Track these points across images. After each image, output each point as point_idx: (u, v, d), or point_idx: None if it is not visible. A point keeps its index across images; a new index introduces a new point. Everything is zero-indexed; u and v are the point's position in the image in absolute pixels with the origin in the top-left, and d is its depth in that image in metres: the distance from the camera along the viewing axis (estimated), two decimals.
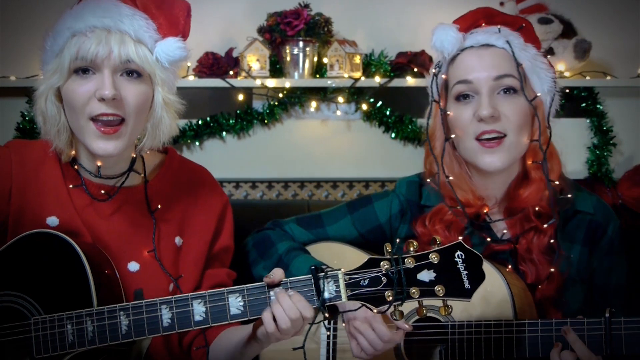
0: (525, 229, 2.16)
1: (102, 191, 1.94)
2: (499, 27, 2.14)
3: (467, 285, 1.68)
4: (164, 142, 1.93)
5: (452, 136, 2.13)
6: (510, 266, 2.14)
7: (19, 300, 1.80)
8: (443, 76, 2.17)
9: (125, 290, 1.87)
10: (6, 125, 3.72)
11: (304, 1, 3.79)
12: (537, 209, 2.13)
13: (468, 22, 2.19)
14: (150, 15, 1.87)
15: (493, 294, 2.01)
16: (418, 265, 1.67)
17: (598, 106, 3.73)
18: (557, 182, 2.14)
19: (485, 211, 2.16)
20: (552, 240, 2.11)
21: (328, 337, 2.17)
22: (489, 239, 2.16)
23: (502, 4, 3.78)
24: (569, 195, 2.15)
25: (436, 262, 1.68)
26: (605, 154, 3.71)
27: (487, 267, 1.98)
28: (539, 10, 3.68)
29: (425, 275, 1.67)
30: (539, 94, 2.12)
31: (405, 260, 1.68)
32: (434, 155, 2.18)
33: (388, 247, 1.69)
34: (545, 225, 2.11)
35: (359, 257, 2.18)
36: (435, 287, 1.67)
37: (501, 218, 2.18)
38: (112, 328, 1.72)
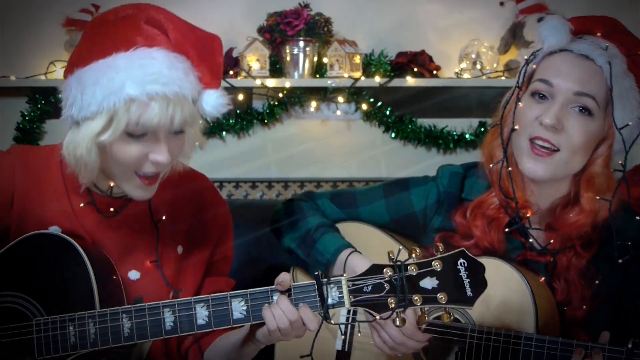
0: (567, 245, 2.08)
1: (112, 209, 1.91)
2: (607, 44, 2.05)
3: (469, 293, 1.68)
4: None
5: (516, 127, 2.06)
6: (543, 278, 2.09)
7: (21, 301, 1.79)
8: (534, 66, 2.11)
9: (126, 299, 1.87)
10: (6, 125, 3.73)
11: (304, 1, 3.80)
12: (582, 232, 2.07)
13: (583, 27, 2.09)
14: (194, 64, 1.80)
15: (516, 303, 1.97)
16: (421, 273, 1.68)
17: None
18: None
19: (528, 215, 2.10)
20: (590, 267, 2.04)
21: (347, 319, 2.16)
22: (526, 241, 2.09)
23: (502, 4, 3.79)
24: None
25: (439, 269, 1.68)
26: None
27: (515, 276, 1.97)
28: (539, 10, 3.68)
29: (428, 283, 1.68)
30: (629, 123, 2.02)
31: (408, 267, 1.68)
32: (502, 138, 2.10)
33: (391, 253, 1.69)
34: (583, 251, 2.06)
35: (386, 243, 2.17)
36: (438, 295, 1.67)
37: (542, 228, 2.10)
38: (115, 330, 1.71)
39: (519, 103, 2.02)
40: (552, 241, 2.08)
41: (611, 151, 2.01)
